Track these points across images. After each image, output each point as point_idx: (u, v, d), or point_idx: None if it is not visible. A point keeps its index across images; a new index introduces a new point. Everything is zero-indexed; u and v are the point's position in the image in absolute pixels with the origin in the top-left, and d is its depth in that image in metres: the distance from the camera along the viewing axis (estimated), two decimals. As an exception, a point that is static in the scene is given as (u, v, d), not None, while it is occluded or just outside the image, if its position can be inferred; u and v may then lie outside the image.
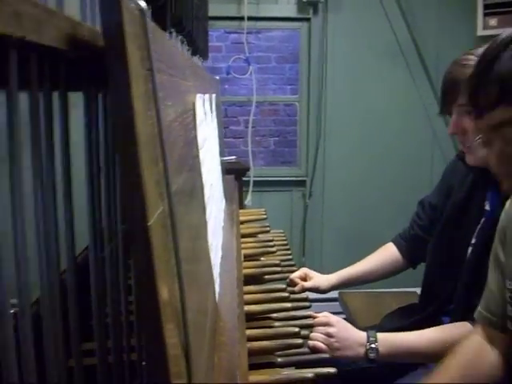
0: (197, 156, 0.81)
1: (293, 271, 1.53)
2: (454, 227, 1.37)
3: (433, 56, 3.17)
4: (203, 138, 0.93)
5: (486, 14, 2.90)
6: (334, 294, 1.50)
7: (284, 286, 1.21)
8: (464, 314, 1.22)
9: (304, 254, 3.28)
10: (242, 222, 1.75)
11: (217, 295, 0.86)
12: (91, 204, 0.54)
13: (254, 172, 3.14)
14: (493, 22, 2.87)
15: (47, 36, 0.38)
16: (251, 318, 1.08)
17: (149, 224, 0.39)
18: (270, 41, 3.92)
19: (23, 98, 0.44)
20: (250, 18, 3.11)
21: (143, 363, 0.67)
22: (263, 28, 3.49)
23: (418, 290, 1.58)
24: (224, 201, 1.51)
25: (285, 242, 1.74)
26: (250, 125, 3.26)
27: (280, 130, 4.10)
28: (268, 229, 1.73)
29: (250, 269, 1.35)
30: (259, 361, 0.97)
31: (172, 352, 0.45)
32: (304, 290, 1.46)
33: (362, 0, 3.17)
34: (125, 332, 0.61)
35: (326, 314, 1.31)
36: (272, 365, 0.99)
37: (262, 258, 1.49)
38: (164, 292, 0.42)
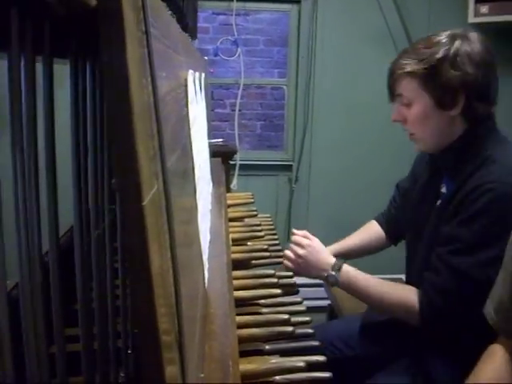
0: (188, 135, 0.77)
1: (279, 257, 1.51)
2: (418, 209, 1.44)
3: (423, 43, 3.13)
4: (194, 117, 0.89)
5: (477, 1, 2.89)
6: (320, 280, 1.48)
7: (273, 272, 1.18)
8: (418, 282, 1.31)
9: (289, 238, 3.25)
10: (229, 206, 1.72)
11: (206, 281, 0.82)
12: (77, 182, 0.50)
13: (240, 156, 3.09)
14: (484, 9, 2.86)
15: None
16: (239, 304, 1.04)
17: (143, 204, 0.36)
18: (258, 23, 3.86)
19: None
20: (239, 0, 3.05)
21: (129, 351, 0.65)
22: (252, 10, 3.42)
23: (404, 277, 1.58)
24: (211, 183, 1.47)
25: (272, 227, 1.73)
26: (237, 108, 3.21)
27: (267, 113, 4.05)
28: (255, 213, 1.71)
29: (237, 253, 1.32)
30: (247, 348, 0.94)
31: (165, 338, 0.42)
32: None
33: (354, -16, 3.12)
34: (110, 317, 0.58)
35: (304, 232, 1.49)
36: (260, 352, 0.96)
37: (248, 243, 1.46)
38: (158, 277, 0.39)
